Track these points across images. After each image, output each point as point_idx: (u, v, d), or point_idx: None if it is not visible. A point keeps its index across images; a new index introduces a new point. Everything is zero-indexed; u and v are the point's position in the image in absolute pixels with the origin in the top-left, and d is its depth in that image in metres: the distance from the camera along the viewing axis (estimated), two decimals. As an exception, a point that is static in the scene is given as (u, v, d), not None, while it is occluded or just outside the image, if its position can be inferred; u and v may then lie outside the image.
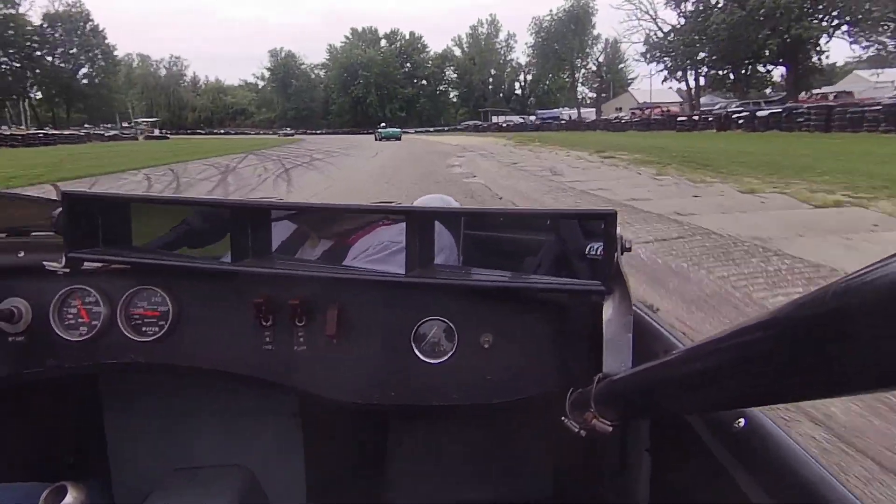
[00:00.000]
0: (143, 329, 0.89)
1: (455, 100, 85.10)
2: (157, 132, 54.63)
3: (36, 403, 1.13)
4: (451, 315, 0.85)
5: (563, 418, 0.68)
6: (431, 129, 66.63)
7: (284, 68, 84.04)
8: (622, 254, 0.74)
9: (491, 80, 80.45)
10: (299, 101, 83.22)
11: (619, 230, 0.74)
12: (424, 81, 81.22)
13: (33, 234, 1.03)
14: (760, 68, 39.79)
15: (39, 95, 64.75)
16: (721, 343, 0.37)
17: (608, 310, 0.74)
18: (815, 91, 33.19)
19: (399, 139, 38.86)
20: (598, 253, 0.78)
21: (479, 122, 61.93)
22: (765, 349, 0.33)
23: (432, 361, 0.85)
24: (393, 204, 1.11)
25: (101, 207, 0.89)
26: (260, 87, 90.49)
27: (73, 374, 0.92)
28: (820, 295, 0.27)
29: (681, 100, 49.77)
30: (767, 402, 0.39)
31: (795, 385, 0.31)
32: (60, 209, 0.86)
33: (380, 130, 42.17)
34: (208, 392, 1.12)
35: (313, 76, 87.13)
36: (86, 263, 0.89)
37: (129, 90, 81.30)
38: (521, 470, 1.32)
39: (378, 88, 77.14)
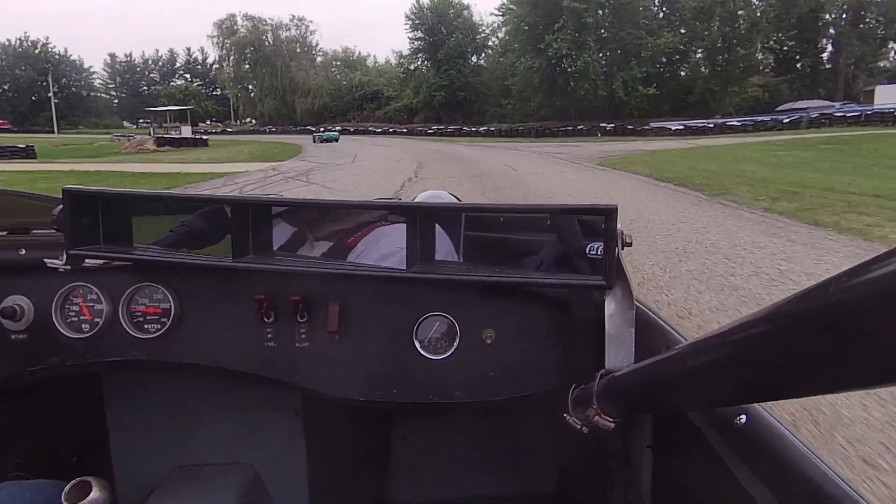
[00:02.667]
0: (146, 326, 0.90)
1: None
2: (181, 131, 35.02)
3: (38, 401, 1.13)
4: (453, 311, 0.85)
5: (565, 415, 0.68)
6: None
7: (437, 19, 50.31)
8: (623, 249, 0.74)
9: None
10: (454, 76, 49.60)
11: (619, 225, 0.74)
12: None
13: (34, 231, 1.03)
14: None
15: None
16: (723, 338, 0.37)
17: (610, 305, 0.74)
18: None
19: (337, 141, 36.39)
20: (599, 253, 0.77)
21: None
22: (767, 344, 0.32)
23: (434, 358, 0.85)
24: (394, 200, 1.10)
25: (101, 205, 0.89)
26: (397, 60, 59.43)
27: (75, 371, 0.92)
28: (822, 289, 0.27)
29: None
30: (770, 397, 0.39)
31: (798, 380, 0.31)
32: (61, 206, 0.86)
33: (316, 134, 40.76)
34: (210, 389, 1.12)
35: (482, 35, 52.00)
36: (87, 261, 0.89)
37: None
38: (523, 466, 1.32)
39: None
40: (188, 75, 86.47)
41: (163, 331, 0.89)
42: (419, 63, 53.64)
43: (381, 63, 68.35)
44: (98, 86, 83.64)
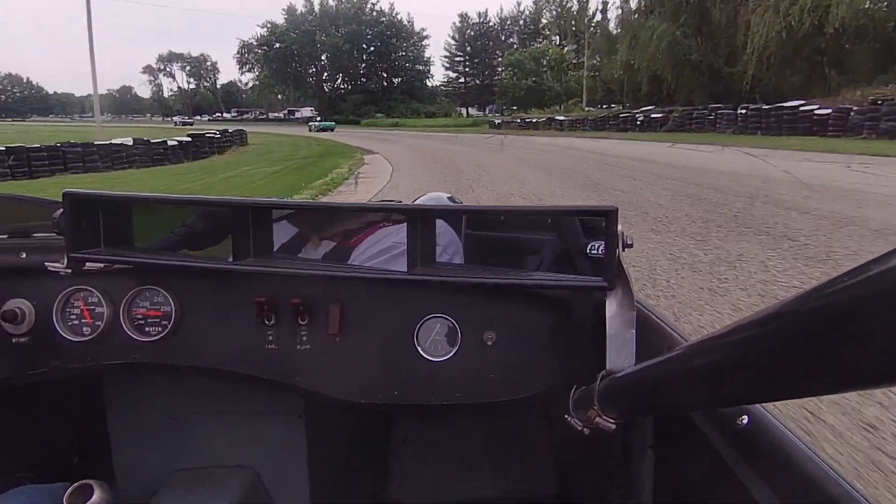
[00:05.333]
0: (146, 329, 0.89)
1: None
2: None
3: (40, 404, 1.13)
4: (454, 313, 0.85)
5: (566, 416, 0.68)
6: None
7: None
8: (623, 250, 0.74)
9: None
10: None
11: (619, 226, 0.73)
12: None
13: (35, 234, 1.03)
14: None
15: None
16: (725, 338, 0.37)
17: (611, 306, 0.74)
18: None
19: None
20: (600, 252, 0.77)
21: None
22: (769, 345, 0.32)
23: (435, 359, 0.85)
24: (394, 202, 1.12)
25: (102, 208, 0.89)
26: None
27: (76, 374, 0.91)
28: (825, 288, 0.27)
29: None
30: (772, 398, 0.39)
31: (801, 380, 0.31)
32: (62, 210, 0.86)
33: (312, 123, 44.13)
34: (211, 392, 1.12)
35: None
36: (88, 264, 0.88)
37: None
38: (524, 467, 1.31)
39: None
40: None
41: (164, 334, 0.89)
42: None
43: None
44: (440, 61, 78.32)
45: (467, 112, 76.33)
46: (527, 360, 0.85)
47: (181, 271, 0.89)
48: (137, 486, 1.10)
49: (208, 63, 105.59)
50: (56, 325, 0.89)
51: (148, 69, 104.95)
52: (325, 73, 77.23)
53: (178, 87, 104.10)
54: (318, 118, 50.91)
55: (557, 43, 62.22)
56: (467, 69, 79.00)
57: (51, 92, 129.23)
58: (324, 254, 1.00)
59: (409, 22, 75.07)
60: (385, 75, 75.47)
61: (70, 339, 0.89)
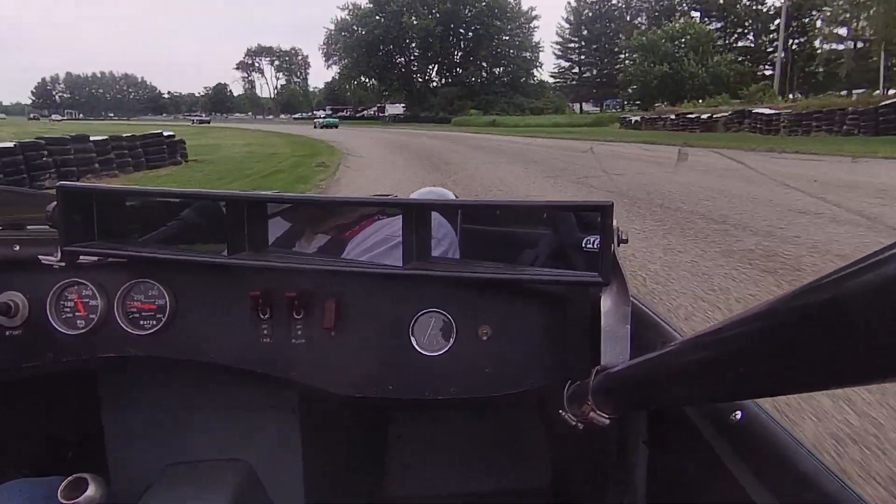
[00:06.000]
0: (141, 322, 0.89)
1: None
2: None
3: (34, 398, 1.13)
4: (449, 307, 0.85)
5: (560, 411, 0.67)
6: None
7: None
8: (619, 245, 0.74)
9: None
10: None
11: (615, 222, 0.73)
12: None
13: (29, 227, 1.02)
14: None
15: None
16: (719, 334, 0.37)
17: (606, 301, 0.74)
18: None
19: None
20: (595, 246, 0.77)
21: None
22: (763, 340, 0.32)
23: (430, 354, 0.85)
24: (390, 196, 1.07)
25: (96, 201, 0.88)
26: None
27: (70, 368, 0.91)
28: (817, 285, 0.27)
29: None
30: (765, 393, 0.39)
31: (793, 377, 0.31)
32: (55, 203, 0.85)
33: (317, 120, 43.10)
34: (206, 386, 1.11)
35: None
36: (82, 257, 0.88)
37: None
38: (519, 462, 1.32)
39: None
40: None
41: (158, 327, 0.88)
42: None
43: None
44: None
45: (580, 107, 63.12)
46: (521, 354, 0.85)
47: (176, 265, 0.89)
48: (132, 479, 1.10)
49: (299, 57, 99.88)
50: (50, 317, 0.89)
51: (241, 65, 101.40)
52: (415, 64, 66.36)
53: (266, 83, 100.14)
54: (323, 115, 50.12)
55: (698, 21, 47.76)
56: (583, 57, 65.54)
57: (164, 92, 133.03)
58: (319, 247, 0.99)
59: (514, 0, 62.87)
60: (485, 64, 63.67)
61: (64, 332, 0.89)
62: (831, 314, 0.26)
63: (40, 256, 0.87)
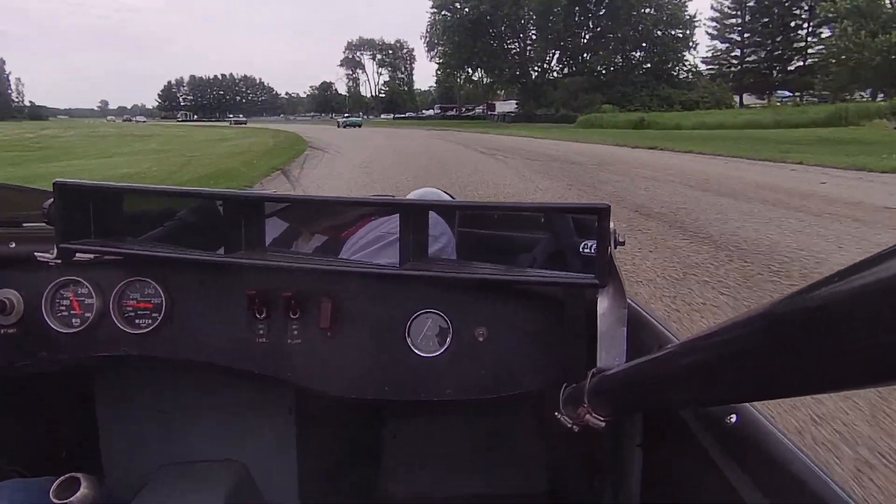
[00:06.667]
0: (136, 321, 0.89)
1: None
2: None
3: (28, 397, 1.12)
4: (446, 308, 0.85)
5: (556, 413, 0.68)
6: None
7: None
8: (615, 248, 0.74)
9: None
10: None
11: (612, 224, 0.73)
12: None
13: (25, 224, 1.02)
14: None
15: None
16: (715, 337, 0.37)
17: (602, 304, 0.74)
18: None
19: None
20: (593, 251, 0.77)
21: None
22: (759, 344, 0.32)
23: (426, 355, 0.85)
24: (387, 197, 1.06)
25: (93, 198, 0.88)
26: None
27: (65, 366, 0.91)
28: (814, 289, 0.27)
29: None
30: (761, 397, 0.39)
31: (789, 380, 0.31)
32: (52, 200, 0.85)
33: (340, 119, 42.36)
34: (201, 386, 1.11)
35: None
36: (78, 255, 0.88)
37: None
38: (514, 464, 1.31)
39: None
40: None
41: (154, 326, 0.88)
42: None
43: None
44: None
45: (741, 100, 48.16)
46: (518, 356, 0.85)
47: (172, 263, 0.88)
48: (125, 479, 1.09)
49: (404, 50, 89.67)
50: (45, 316, 0.89)
51: (345, 61, 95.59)
52: (531, 49, 52.83)
53: (367, 79, 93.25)
54: (346, 114, 46.91)
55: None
56: (746, 35, 49.96)
57: (282, 94, 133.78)
58: (315, 248, 0.99)
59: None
60: (623, 47, 50.52)
61: (59, 330, 0.89)
62: (828, 317, 0.26)
63: (36, 253, 0.87)
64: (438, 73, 60.89)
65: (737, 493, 0.52)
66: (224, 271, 0.87)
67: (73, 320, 0.89)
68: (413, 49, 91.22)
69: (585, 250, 0.86)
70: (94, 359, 0.90)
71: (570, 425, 0.65)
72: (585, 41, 50.53)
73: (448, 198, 1.25)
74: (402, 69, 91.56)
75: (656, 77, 47.69)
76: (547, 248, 0.94)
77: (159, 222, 0.99)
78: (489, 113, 60.07)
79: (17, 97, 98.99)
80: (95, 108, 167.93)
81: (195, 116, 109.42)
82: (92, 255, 0.88)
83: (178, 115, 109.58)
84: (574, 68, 50.99)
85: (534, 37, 52.37)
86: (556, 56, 52.99)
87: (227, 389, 1.09)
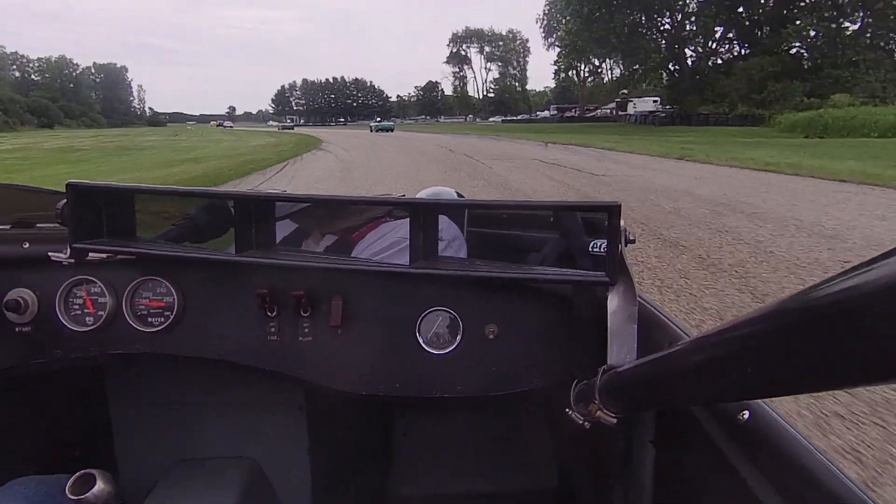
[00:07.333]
0: (149, 319, 0.90)
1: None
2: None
3: (42, 395, 1.14)
4: (456, 306, 0.85)
5: (567, 410, 0.68)
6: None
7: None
8: (626, 245, 0.74)
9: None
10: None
11: (622, 222, 0.72)
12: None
13: (39, 225, 1.03)
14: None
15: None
16: (726, 334, 0.37)
17: (613, 301, 0.74)
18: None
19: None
20: (602, 250, 0.77)
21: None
22: (770, 341, 0.32)
23: (437, 352, 0.85)
24: (396, 196, 1.06)
25: (105, 198, 0.89)
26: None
27: (79, 364, 0.92)
28: (827, 286, 0.27)
29: None
30: (773, 393, 0.39)
31: (801, 377, 0.31)
32: (65, 200, 0.86)
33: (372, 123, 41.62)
34: (213, 384, 1.12)
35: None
36: (91, 254, 0.89)
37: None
38: (525, 461, 1.32)
39: None
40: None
41: (166, 324, 0.89)
42: None
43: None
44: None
45: None
46: (528, 353, 0.85)
47: (184, 262, 0.90)
48: (139, 476, 1.11)
49: (517, 42, 77.47)
50: (59, 314, 0.90)
51: (451, 58, 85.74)
52: (688, 24, 38.56)
53: (475, 76, 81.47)
54: (377, 118, 47.61)
55: None
56: None
57: (392, 97, 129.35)
58: (326, 247, 1.00)
59: None
60: (828, 14, 35.65)
61: (73, 328, 0.90)
62: (839, 315, 0.26)
63: (50, 253, 0.88)
64: (558, 63, 49.25)
65: (749, 490, 0.52)
66: (235, 270, 0.88)
67: (87, 319, 0.90)
68: (527, 40, 79.55)
69: (595, 250, 0.86)
70: (108, 357, 0.91)
71: (581, 422, 0.65)
72: (769, 7, 36.02)
73: (458, 197, 1.26)
74: (515, 64, 79.62)
75: (886, 52, 32.23)
76: (556, 247, 0.95)
77: (171, 222, 1.00)
78: (620, 113, 47.21)
79: (138, 104, 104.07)
80: (224, 115, 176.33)
81: (301, 121, 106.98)
82: (104, 255, 0.89)
83: (269, 122, 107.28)
84: (751, 47, 36.74)
85: (693, 7, 38.63)
86: (721, 32, 38.88)
87: (239, 387, 1.11)
